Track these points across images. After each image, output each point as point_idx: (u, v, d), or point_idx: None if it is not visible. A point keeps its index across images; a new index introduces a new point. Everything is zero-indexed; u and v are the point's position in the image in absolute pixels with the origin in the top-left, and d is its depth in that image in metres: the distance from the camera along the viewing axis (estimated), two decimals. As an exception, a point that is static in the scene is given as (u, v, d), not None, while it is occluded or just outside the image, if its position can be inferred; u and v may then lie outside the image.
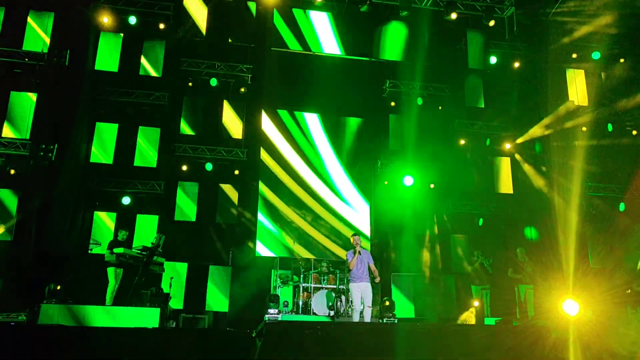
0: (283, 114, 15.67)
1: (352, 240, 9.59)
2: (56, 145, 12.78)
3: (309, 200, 15.17)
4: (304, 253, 14.38)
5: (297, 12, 15.76)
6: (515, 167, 16.13)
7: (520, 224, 15.64)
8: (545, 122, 15.48)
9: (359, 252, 9.44)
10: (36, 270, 12.05)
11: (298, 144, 15.54)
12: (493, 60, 16.03)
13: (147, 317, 8.96)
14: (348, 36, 16.02)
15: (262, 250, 14.48)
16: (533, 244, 15.09)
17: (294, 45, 15.65)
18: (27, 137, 13.07)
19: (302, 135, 15.62)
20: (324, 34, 15.90)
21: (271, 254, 14.26)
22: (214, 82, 14.69)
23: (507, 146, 15.97)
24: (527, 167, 15.73)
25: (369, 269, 9.50)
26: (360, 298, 9.35)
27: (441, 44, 16.16)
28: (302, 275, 12.66)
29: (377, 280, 9.65)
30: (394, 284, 14.76)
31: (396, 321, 11.23)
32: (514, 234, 15.60)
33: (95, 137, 14.21)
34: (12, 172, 12.81)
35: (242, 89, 15.01)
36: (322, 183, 15.39)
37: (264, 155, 15.26)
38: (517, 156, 16.03)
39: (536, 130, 15.51)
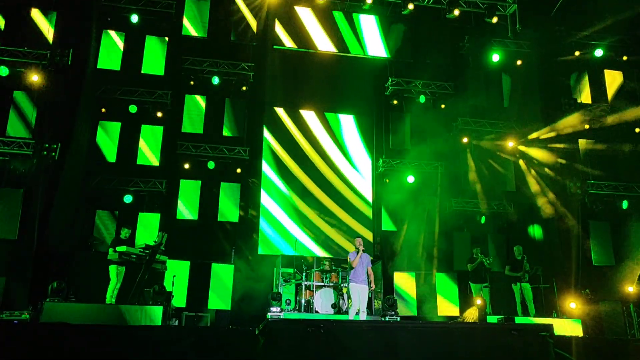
0: (284, 112, 15.69)
1: (355, 242, 9.74)
2: (59, 144, 12.80)
3: (311, 199, 15.18)
4: (306, 251, 14.41)
5: (297, 11, 15.75)
6: (518, 165, 16.09)
7: (523, 222, 15.64)
8: (548, 120, 15.44)
9: (362, 251, 9.56)
10: (39, 269, 12.09)
11: (299, 142, 15.55)
12: (495, 58, 15.98)
13: (150, 315, 8.97)
14: (352, 34, 16.02)
15: (264, 248, 14.51)
16: (536, 242, 15.08)
17: (295, 44, 15.66)
18: (30, 136, 13.08)
19: (303, 133, 15.62)
20: (324, 32, 15.89)
21: (273, 252, 14.27)
22: (215, 80, 14.70)
23: (510, 144, 15.91)
24: (530, 165, 15.70)
25: (367, 272, 9.69)
26: (358, 299, 9.54)
27: (444, 42, 16.19)
28: (304, 273, 12.66)
29: (372, 287, 9.85)
30: (396, 282, 14.78)
31: (398, 319, 11.24)
32: (516, 231, 15.60)
33: (98, 135, 14.23)
34: (16, 171, 12.86)
35: (244, 87, 15.01)
36: (324, 182, 15.40)
37: (266, 153, 15.28)
38: (521, 160, 15.97)
39: (540, 129, 15.46)
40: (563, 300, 12.84)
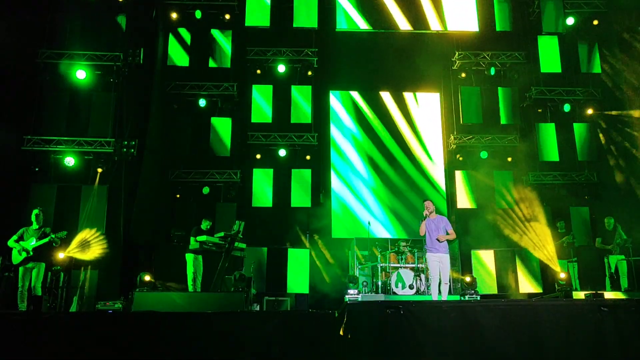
0: (349, 94, 15.64)
1: (425, 207, 8.91)
2: (137, 141, 13.41)
3: (382, 180, 15.10)
4: (380, 233, 14.38)
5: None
6: (598, 133, 15.23)
7: (610, 192, 14.76)
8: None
9: (426, 216, 8.80)
10: (127, 260, 12.78)
11: (368, 123, 15.47)
12: (570, 21, 15.18)
13: (232, 301, 9.25)
14: (413, 9, 15.65)
15: (338, 231, 14.60)
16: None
17: (359, 25, 15.51)
18: (110, 135, 13.74)
19: (369, 115, 15.53)
20: (383, 11, 15.60)
21: (347, 235, 14.34)
22: (281, 68, 14.87)
23: (589, 111, 15.08)
24: (614, 132, 14.81)
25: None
26: (438, 270, 8.78)
27: (512, 9, 15.54)
28: (379, 255, 12.63)
29: (452, 237, 8.88)
30: (474, 260, 14.47)
31: (478, 298, 11.01)
32: (601, 202, 14.78)
33: (172, 130, 14.75)
34: (100, 170, 13.56)
35: (309, 73, 15.09)
36: (394, 162, 15.27)
37: (335, 137, 15.31)
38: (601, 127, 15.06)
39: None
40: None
